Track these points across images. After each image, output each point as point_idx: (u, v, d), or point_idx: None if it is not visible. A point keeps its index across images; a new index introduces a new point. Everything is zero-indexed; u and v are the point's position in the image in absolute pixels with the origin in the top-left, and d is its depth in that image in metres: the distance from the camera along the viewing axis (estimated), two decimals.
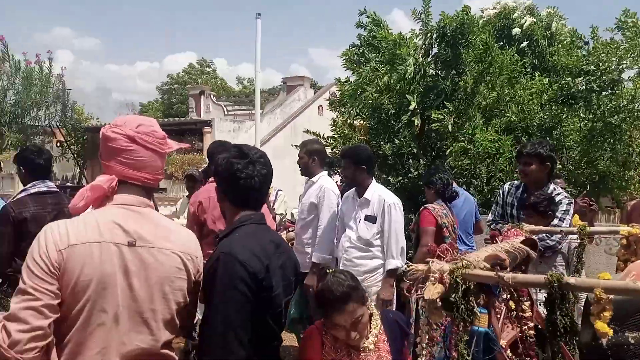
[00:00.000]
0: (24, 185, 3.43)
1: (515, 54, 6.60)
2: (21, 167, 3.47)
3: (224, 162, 1.85)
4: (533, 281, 1.63)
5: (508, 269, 1.80)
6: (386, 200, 3.72)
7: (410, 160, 6.06)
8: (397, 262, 3.65)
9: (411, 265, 1.61)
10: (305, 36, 73.49)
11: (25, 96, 12.07)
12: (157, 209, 2.60)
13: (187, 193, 5.72)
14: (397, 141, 6.09)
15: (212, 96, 21.93)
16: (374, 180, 3.91)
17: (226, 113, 20.98)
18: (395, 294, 3.73)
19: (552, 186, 3.60)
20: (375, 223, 3.74)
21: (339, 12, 73.95)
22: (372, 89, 6.11)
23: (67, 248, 1.45)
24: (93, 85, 57.45)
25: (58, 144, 15.41)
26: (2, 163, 14.40)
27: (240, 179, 1.80)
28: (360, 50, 6.57)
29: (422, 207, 3.98)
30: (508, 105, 6.25)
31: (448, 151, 5.80)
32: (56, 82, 13.10)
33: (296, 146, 7.88)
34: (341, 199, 4.12)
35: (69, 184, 14.58)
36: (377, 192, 3.80)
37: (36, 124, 13.13)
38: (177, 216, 5.76)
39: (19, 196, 3.36)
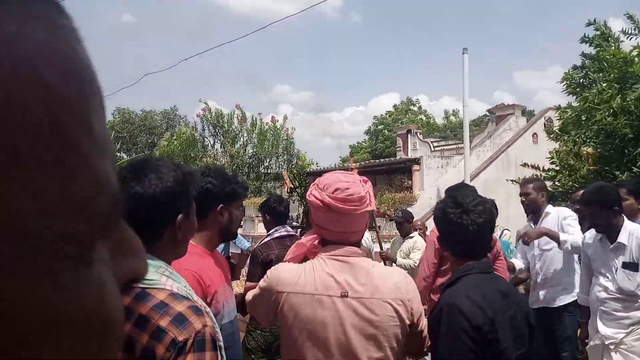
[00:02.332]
0: (267, 230, 3.94)
1: None
2: (266, 215, 4.01)
3: (439, 211, 1.87)
4: None
5: None
6: None
7: None
8: None
9: None
10: (507, 60, 69.85)
11: (261, 149, 14.07)
12: (381, 247, 2.76)
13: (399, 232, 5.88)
14: (635, 169, 5.32)
15: (418, 134, 22.24)
16: (625, 219, 3.33)
17: (433, 149, 20.98)
18: None
19: None
20: (637, 271, 3.20)
21: (541, 30, 68.60)
22: (604, 113, 5.47)
23: (283, 293, 1.65)
24: (309, 133, 63.77)
25: (288, 190, 17.38)
26: (245, 207, 16.87)
27: (455, 229, 1.80)
28: (583, 72, 6.00)
29: None
30: None
31: None
32: (284, 136, 15.06)
33: (511, 181, 7.51)
34: None
35: (294, 224, 16.24)
36: (634, 234, 3.24)
37: (269, 171, 15.15)
38: (392, 256, 5.92)
39: (265, 240, 3.88)
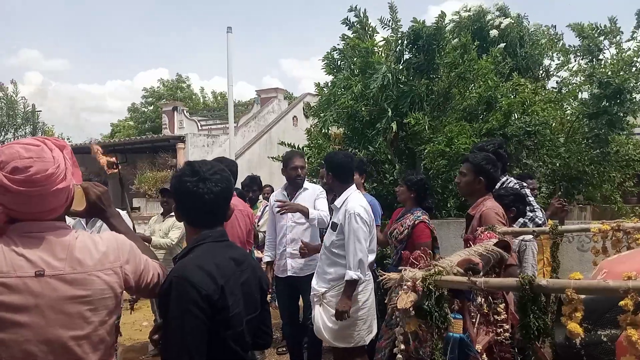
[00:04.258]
0: None
1: (497, 55, 6.72)
2: None
3: (176, 180, 1.79)
4: (505, 285, 1.63)
5: (481, 273, 1.80)
6: (348, 210, 3.55)
7: (386, 166, 6.08)
8: (352, 273, 3.44)
9: (384, 274, 1.60)
10: (276, 47, 73.67)
11: None
12: (134, 228, 2.52)
13: (162, 210, 5.60)
14: (371, 148, 6.10)
15: (185, 112, 21.76)
16: (352, 187, 3.76)
17: (200, 128, 20.81)
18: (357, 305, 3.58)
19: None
20: (335, 230, 3.63)
21: (308, 22, 74.50)
22: (347, 97, 6.11)
23: None
24: (64, 106, 56.45)
25: None
26: None
27: (191, 197, 1.74)
28: (342, 55, 6.56)
29: (417, 221, 3.87)
30: (488, 110, 6.32)
31: (426, 151, 5.79)
32: (23, 106, 12.93)
33: (272, 158, 7.94)
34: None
35: None
36: (347, 200, 3.66)
37: None
38: (151, 234, 5.63)
39: None
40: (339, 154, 3.99)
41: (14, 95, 12.22)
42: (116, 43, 63.16)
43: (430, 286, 1.49)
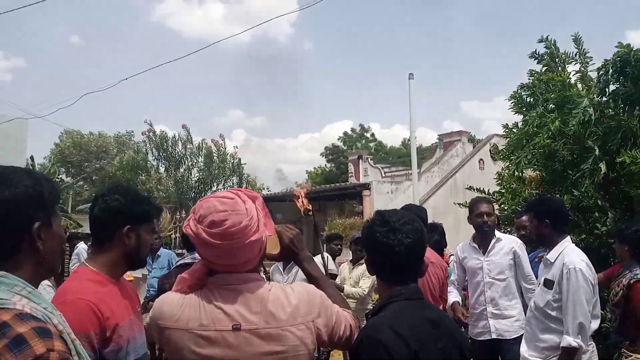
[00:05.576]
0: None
1: None
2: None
3: (365, 230, 1.70)
4: None
5: None
6: (566, 264, 3.01)
7: (596, 214, 5.28)
8: (571, 339, 2.88)
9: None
10: (457, 90, 72.56)
11: (207, 172, 13.73)
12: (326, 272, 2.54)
13: (351, 258, 5.67)
14: (576, 192, 5.38)
15: (369, 160, 22.47)
16: (567, 238, 3.22)
17: (384, 175, 21.21)
18: None
19: None
20: (551, 289, 3.08)
21: (489, 62, 71.87)
22: (543, 135, 5.53)
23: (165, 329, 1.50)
24: (264, 159, 63.45)
25: None
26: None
27: (380, 249, 1.63)
28: (531, 91, 6.07)
29: (633, 280, 3.33)
30: None
31: None
32: (231, 159, 14.76)
33: (459, 204, 7.54)
34: None
35: None
36: (563, 253, 3.11)
37: None
38: (342, 282, 5.71)
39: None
40: (555, 199, 3.56)
41: (224, 150, 14.16)
42: (306, 99, 69.17)
43: None
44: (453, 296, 4.16)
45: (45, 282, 3.23)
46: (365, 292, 5.01)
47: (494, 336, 3.87)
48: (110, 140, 33.55)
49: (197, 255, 3.35)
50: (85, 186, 32.21)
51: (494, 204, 5.99)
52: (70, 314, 1.60)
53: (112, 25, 64.67)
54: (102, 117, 60.48)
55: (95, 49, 63.23)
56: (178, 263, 3.59)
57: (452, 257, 6.02)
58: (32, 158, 14.65)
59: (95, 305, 1.66)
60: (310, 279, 1.69)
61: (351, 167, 22.69)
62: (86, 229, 13.26)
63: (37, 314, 1.12)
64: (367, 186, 17.03)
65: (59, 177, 28.84)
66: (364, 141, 39.58)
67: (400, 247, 1.60)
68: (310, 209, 2.52)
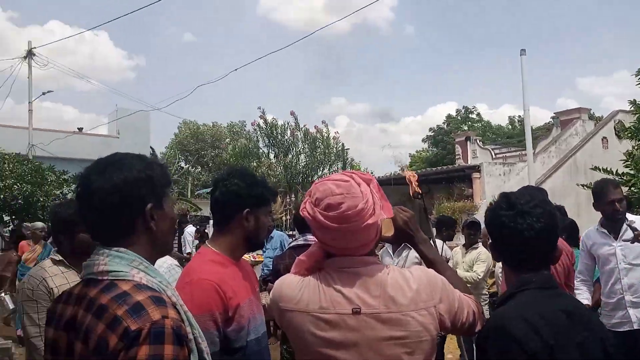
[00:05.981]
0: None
1: None
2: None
3: (490, 214, 1.58)
4: None
5: None
6: None
7: None
8: None
9: None
10: (571, 66, 66.21)
11: (312, 158, 14.06)
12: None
13: (463, 242, 5.46)
14: None
15: (478, 141, 21.47)
16: None
17: (494, 156, 20.18)
18: None
19: None
20: None
21: (607, 36, 64.45)
22: None
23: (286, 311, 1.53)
24: (366, 144, 63.34)
25: None
26: None
27: (508, 234, 1.51)
28: None
29: None
30: None
31: None
32: (334, 144, 14.98)
33: (583, 186, 6.92)
34: None
35: None
36: None
37: None
38: (454, 266, 5.54)
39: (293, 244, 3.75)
40: None
41: (327, 135, 14.44)
42: (408, 83, 67.64)
43: None
44: (583, 298, 3.78)
45: (174, 262, 3.50)
46: (480, 277, 4.82)
47: (635, 327, 3.52)
48: (223, 130, 35.56)
49: (308, 236, 3.43)
50: (203, 173, 34.54)
51: (622, 185, 5.44)
52: (196, 293, 1.70)
53: (220, 21, 68.24)
54: (214, 106, 64.38)
55: (205, 44, 67.25)
56: (291, 244, 3.69)
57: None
58: (152, 149, 15.97)
59: (219, 285, 1.73)
60: (428, 262, 1.63)
61: (458, 149, 21.84)
62: (205, 212, 14.24)
63: (152, 285, 1.23)
64: (476, 168, 16.28)
65: (179, 164, 31.38)
66: (469, 122, 37.85)
67: (529, 231, 1.48)
68: (421, 191, 2.45)
